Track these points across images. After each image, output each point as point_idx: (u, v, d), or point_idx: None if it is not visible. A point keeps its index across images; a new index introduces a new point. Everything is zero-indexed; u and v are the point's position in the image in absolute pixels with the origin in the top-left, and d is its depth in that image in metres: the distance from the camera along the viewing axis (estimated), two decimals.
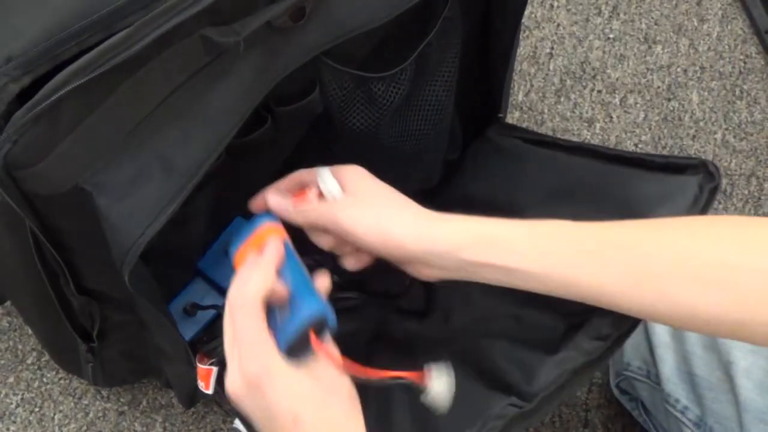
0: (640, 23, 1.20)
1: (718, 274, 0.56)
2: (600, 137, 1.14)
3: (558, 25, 1.19)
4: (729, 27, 1.21)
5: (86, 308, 0.70)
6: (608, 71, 1.17)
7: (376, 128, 0.71)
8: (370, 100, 0.68)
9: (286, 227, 0.63)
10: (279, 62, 0.58)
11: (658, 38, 1.19)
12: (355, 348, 0.75)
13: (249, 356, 0.53)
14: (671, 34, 1.20)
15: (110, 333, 0.74)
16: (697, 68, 1.18)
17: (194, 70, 0.54)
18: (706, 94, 1.17)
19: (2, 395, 0.96)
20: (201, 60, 0.54)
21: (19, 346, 0.98)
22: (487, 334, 0.72)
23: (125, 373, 0.87)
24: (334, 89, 0.66)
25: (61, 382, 0.97)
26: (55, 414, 0.96)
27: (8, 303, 0.94)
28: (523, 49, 1.17)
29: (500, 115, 0.88)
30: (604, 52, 1.18)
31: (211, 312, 0.77)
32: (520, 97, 1.15)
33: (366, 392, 0.71)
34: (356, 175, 0.64)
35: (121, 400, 0.97)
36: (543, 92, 1.16)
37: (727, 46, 1.20)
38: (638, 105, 1.16)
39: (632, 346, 0.88)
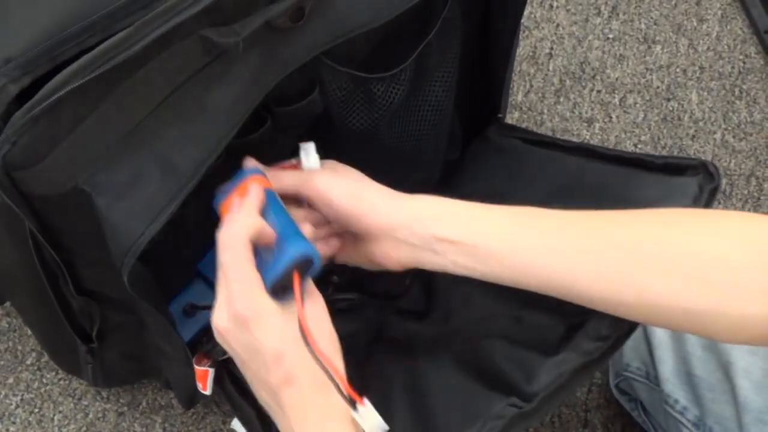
0: (640, 23, 1.20)
1: (686, 263, 0.56)
2: (599, 137, 1.14)
3: (557, 25, 1.19)
4: (728, 27, 1.21)
5: (86, 309, 0.70)
6: (608, 71, 1.17)
7: (375, 128, 0.71)
8: (369, 101, 0.68)
9: None
10: (279, 62, 0.58)
11: (657, 38, 1.20)
12: (355, 348, 0.75)
13: (237, 293, 0.54)
14: (671, 34, 1.20)
15: (110, 334, 0.74)
16: (697, 68, 1.18)
17: (194, 70, 0.54)
18: (705, 94, 1.17)
19: (2, 396, 0.96)
20: (200, 60, 0.54)
21: (19, 347, 0.98)
22: (487, 334, 0.71)
23: (125, 374, 0.87)
24: (334, 89, 0.66)
25: (61, 382, 0.97)
26: (54, 415, 0.96)
27: (8, 304, 0.94)
28: (522, 49, 1.17)
29: (500, 115, 0.89)
30: (603, 52, 1.18)
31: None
32: (520, 97, 1.15)
33: (366, 392, 0.71)
34: (336, 161, 0.65)
35: (121, 400, 0.97)
36: (542, 92, 1.16)
37: (726, 46, 1.20)
38: (638, 105, 1.16)
39: (631, 347, 0.88)
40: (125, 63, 0.50)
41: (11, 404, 0.96)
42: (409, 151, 0.77)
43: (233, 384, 0.70)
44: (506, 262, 0.59)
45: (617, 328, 0.63)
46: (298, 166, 0.65)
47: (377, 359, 0.75)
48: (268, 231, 0.57)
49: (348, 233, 0.66)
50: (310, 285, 0.59)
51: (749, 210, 1.12)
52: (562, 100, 1.15)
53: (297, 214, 0.64)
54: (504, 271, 0.60)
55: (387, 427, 0.57)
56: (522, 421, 0.62)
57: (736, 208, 1.12)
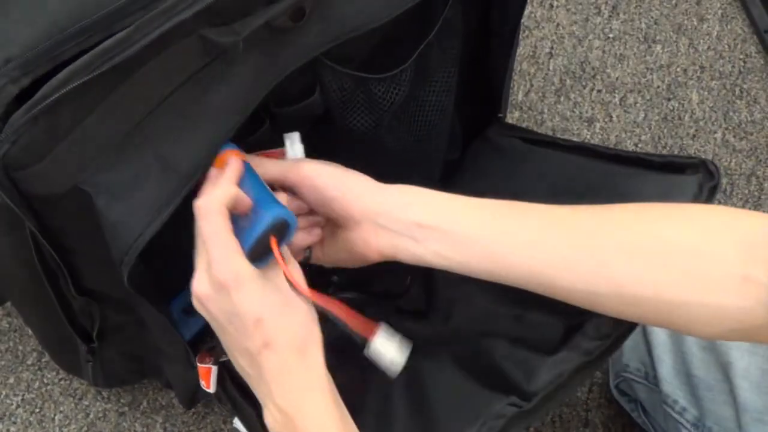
0: (640, 23, 1.20)
1: (662, 254, 0.56)
2: (600, 137, 1.14)
3: (558, 24, 1.19)
4: (729, 26, 1.21)
5: (86, 309, 0.70)
6: (608, 71, 1.17)
7: (376, 129, 0.71)
8: (370, 101, 0.68)
9: None
10: (279, 62, 0.58)
11: (657, 38, 1.20)
12: (355, 348, 0.75)
13: (218, 259, 0.54)
14: (671, 33, 1.20)
15: (110, 333, 0.74)
16: (697, 68, 1.18)
17: (193, 70, 0.54)
18: (705, 93, 1.17)
19: (3, 396, 0.96)
20: (200, 60, 0.54)
21: (20, 347, 0.98)
22: (487, 334, 0.72)
23: (125, 374, 0.87)
24: (334, 90, 0.66)
25: (62, 382, 0.97)
26: (55, 415, 0.96)
27: (8, 304, 0.94)
28: (523, 49, 1.17)
29: (500, 114, 0.89)
30: (603, 51, 1.18)
31: None
32: (520, 96, 1.15)
33: (366, 391, 0.71)
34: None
35: (122, 400, 0.97)
36: (543, 92, 1.16)
37: (726, 46, 1.20)
38: (638, 104, 1.16)
39: (630, 348, 0.88)
40: (125, 63, 0.50)
41: (12, 404, 0.96)
42: (410, 151, 0.77)
43: (234, 384, 0.70)
44: (483, 251, 0.60)
45: (617, 328, 0.63)
46: (280, 156, 0.66)
47: None
48: (245, 199, 0.57)
49: (328, 226, 0.66)
50: (287, 253, 0.60)
51: (749, 209, 1.12)
52: (562, 99, 1.15)
53: (278, 198, 0.65)
54: (481, 262, 0.60)
55: (403, 361, 0.58)
56: (522, 420, 0.62)
57: (736, 207, 1.12)
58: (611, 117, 1.15)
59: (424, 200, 0.62)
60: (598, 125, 1.15)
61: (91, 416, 0.96)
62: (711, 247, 0.55)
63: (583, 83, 1.16)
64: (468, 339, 0.73)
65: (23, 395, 0.96)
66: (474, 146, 0.88)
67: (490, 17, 0.78)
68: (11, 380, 0.97)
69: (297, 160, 0.65)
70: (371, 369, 0.73)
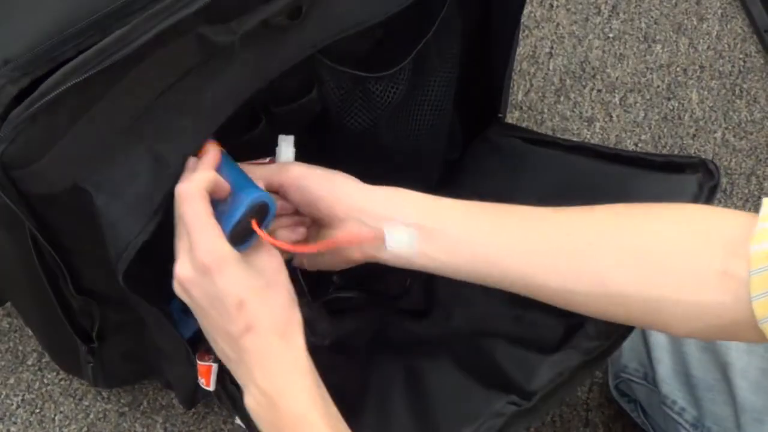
0: (640, 22, 1.20)
1: (641, 251, 0.56)
2: (600, 136, 1.14)
3: (557, 24, 1.19)
4: (728, 26, 1.21)
5: (86, 309, 0.70)
6: (608, 70, 1.17)
7: (374, 128, 0.71)
8: (368, 100, 0.68)
9: None
10: (275, 60, 0.58)
11: (657, 37, 1.19)
12: (355, 348, 0.75)
13: (200, 242, 0.55)
14: (671, 33, 1.20)
15: (110, 334, 0.74)
16: (697, 67, 1.18)
17: (190, 68, 0.54)
18: (705, 93, 1.17)
19: (3, 396, 0.96)
20: (197, 58, 0.54)
21: (20, 348, 0.98)
22: (487, 334, 0.72)
23: (125, 374, 0.87)
24: (332, 89, 0.66)
25: (62, 383, 0.97)
26: (55, 415, 0.96)
27: (8, 304, 0.94)
28: (522, 49, 1.17)
29: (500, 114, 0.89)
30: (603, 51, 1.18)
31: None
32: (520, 96, 1.15)
33: (366, 391, 0.71)
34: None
35: (122, 401, 0.97)
36: (543, 92, 1.16)
37: (726, 45, 1.20)
38: (638, 104, 1.16)
39: (630, 348, 0.88)
40: (122, 61, 0.50)
41: (12, 404, 0.96)
42: (408, 150, 0.77)
43: (234, 382, 0.70)
44: (469, 252, 0.60)
45: (616, 328, 0.64)
46: (269, 163, 0.66)
47: (377, 359, 0.75)
48: (224, 183, 0.58)
49: (313, 228, 0.66)
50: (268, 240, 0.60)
51: (749, 209, 1.12)
52: (562, 99, 1.15)
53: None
54: (467, 263, 0.60)
55: (414, 246, 0.60)
56: (521, 419, 0.63)
57: (736, 207, 1.12)
58: (611, 117, 1.15)
59: (410, 201, 0.63)
60: (598, 125, 1.15)
61: (92, 416, 0.96)
62: (691, 244, 0.55)
63: (583, 83, 1.16)
64: (468, 339, 0.73)
65: (23, 395, 0.96)
66: (474, 146, 0.88)
67: (490, 17, 0.78)
68: (11, 380, 0.97)
69: (285, 163, 0.65)
70: (371, 369, 0.73)
